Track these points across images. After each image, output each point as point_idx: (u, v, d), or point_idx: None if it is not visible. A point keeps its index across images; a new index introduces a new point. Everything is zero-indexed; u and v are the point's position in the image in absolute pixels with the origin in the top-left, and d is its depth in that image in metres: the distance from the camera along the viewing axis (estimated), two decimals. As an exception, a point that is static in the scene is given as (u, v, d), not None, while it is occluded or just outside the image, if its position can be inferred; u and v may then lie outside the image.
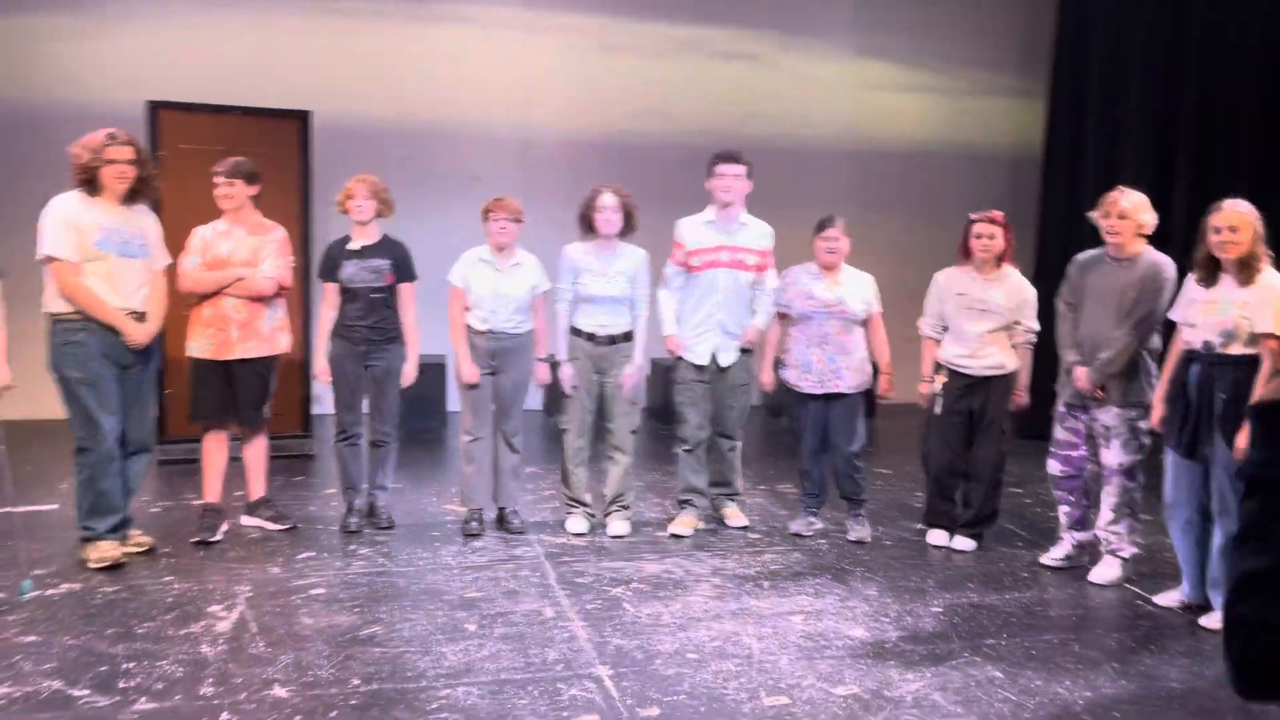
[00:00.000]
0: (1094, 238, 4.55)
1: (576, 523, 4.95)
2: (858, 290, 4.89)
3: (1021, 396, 4.78)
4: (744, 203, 4.96)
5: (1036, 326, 4.79)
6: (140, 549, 4.46)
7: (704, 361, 4.92)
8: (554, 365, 4.94)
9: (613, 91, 8.02)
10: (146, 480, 4.91)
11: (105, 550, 4.28)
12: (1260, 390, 3.62)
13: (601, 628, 3.80)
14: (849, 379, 4.85)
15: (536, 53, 7.86)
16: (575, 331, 4.87)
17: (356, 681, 3.30)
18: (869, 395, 5.02)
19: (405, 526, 4.97)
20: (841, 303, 4.84)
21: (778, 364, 5.00)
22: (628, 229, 4.86)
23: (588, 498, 5.00)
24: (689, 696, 3.26)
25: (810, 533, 5.02)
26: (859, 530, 4.97)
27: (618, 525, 4.93)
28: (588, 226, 4.85)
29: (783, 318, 4.98)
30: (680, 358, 4.97)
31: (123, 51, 6.89)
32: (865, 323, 4.93)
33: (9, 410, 5.25)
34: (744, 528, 5.08)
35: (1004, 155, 8.77)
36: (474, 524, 4.88)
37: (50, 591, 4.02)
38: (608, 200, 4.79)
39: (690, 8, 8.13)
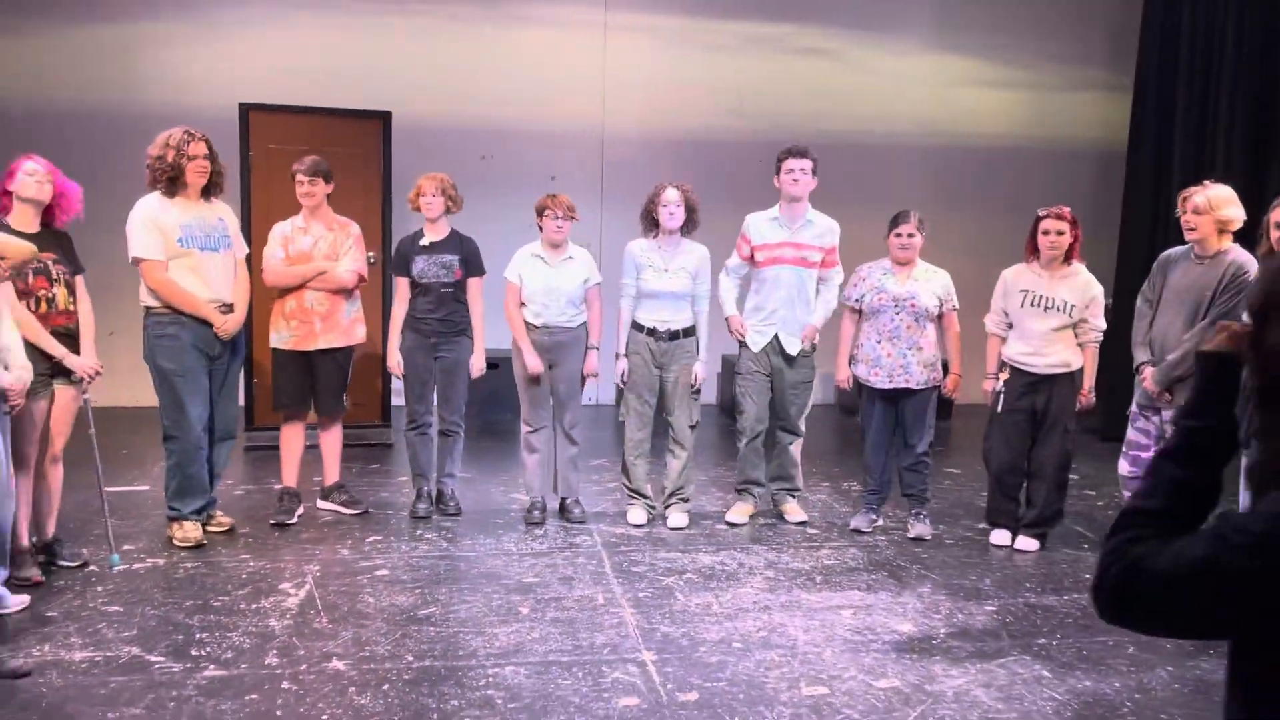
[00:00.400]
0: (1180, 235, 4.44)
1: (636, 514, 5.04)
2: (930, 285, 4.86)
3: (1087, 396, 4.69)
4: (809, 199, 4.99)
5: (1103, 325, 4.70)
6: (221, 529, 4.71)
7: (762, 349, 4.97)
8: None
9: (689, 89, 8.07)
10: (231, 464, 5.16)
11: (189, 530, 4.54)
12: None
13: (650, 615, 3.88)
14: (918, 375, 4.83)
15: (614, 52, 7.97)
16: (636, 327, 4.95)
17: (410, 658, 3.45)
18: (942, 395, 4.98)
19: (471, 513, 5.13)
20: (913, 297, 4.81)
21: (851, 361, 5.00)
22: (690, 225, 4.93)
23: (648, 489, 5.08)
24: (729, 683, 3.31)
25: (870, 529, 5.01)
26: (919, 528, 4.94)
27: (676, 517, 5.00)
28: (650, 222, 4.93)
29: (855, 314, 4.97)
30: (743, 345, 5.03)
31: (217, 56, 7.23)
32: (940, 319, 4.90)
33: (109, 397, 5.58)
34: (803, 523, 5.09)
35: (1091, 151, 8.54)
36: (536, 512, 5.01)
37: (136, 565, 4.28)
38: (670, 195, 4.86)
39: (766, 5, 8.14)
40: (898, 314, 4.83)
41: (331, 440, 5.12)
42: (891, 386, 4.85)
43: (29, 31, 7.03)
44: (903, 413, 4.90)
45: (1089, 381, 4.69)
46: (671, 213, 4.85)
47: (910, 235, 4.84)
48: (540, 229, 4.90)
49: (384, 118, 6.81)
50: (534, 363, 4.86)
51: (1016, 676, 3.43)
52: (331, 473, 5.15)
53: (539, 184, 7.46)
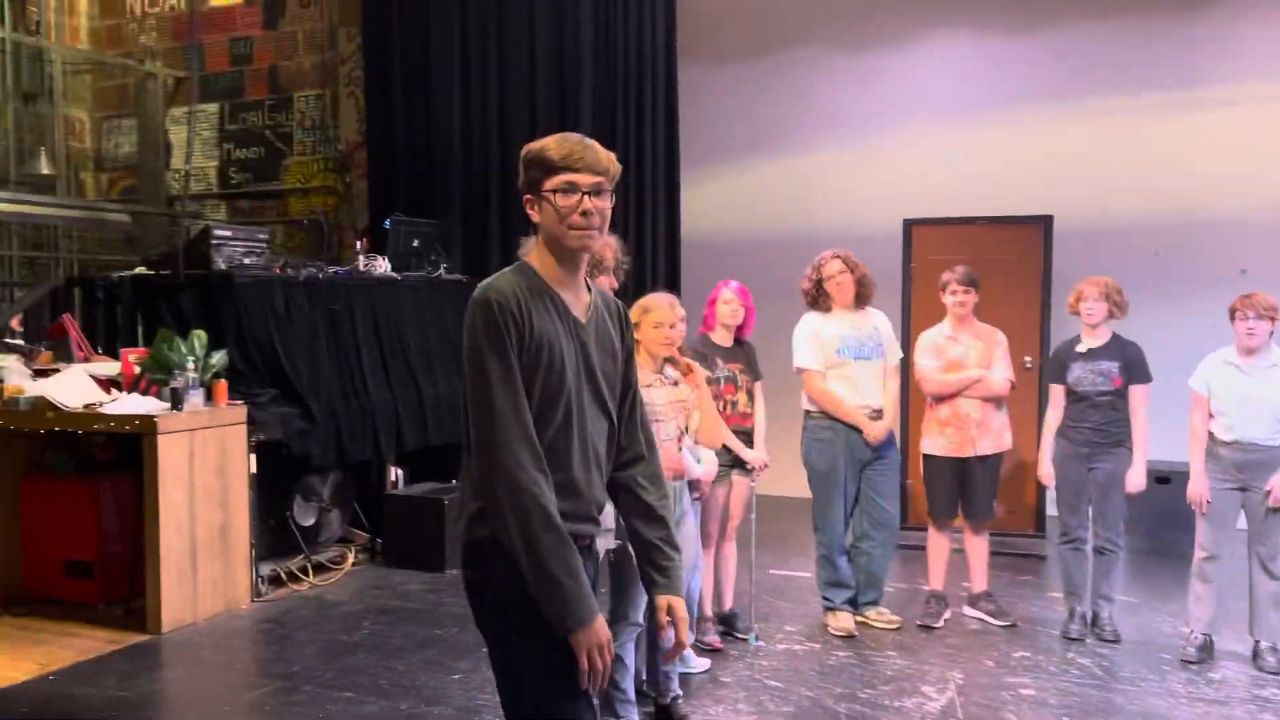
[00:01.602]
0: None
1: (1348, 672, 4.16)
2: None
3: None
4: None
5: None
6: (880, 624, 4.90)
7: None
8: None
9: None
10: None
11: (841, 620, 4.84)
12: None
13: (1362, 802, 3.16)
14: None
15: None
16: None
17: (1051, 789, 3.25)
18: None
19: (1131, 642, 4.69)
20: None
21: None
22: None
23: (1365, 644, 4.17)
24: None
25: None
26: None
27: None
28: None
29: None
30: None
31: (883, 178, 7.78)
32: None
33: (775, 488, 6.23)
34: None
35: None
36: (1201, 651, 4.41)
37: (796, 647, 4.67)
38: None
39: None
40: None
41: (979, 546, 5.08)
42: None
43: (725, 175, 8.26)
44: None
45: None
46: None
47: None
48: (1235, 333, 4.40)
49: (1045, 222, 6.72)
50: (1198, 490, 4.36)
51: None
52: (979, 580, 5.10)
53: (1224, 281, 6.71)
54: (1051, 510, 6.50)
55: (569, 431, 2.16)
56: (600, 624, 2.10)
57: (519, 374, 2.08)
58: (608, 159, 2.19)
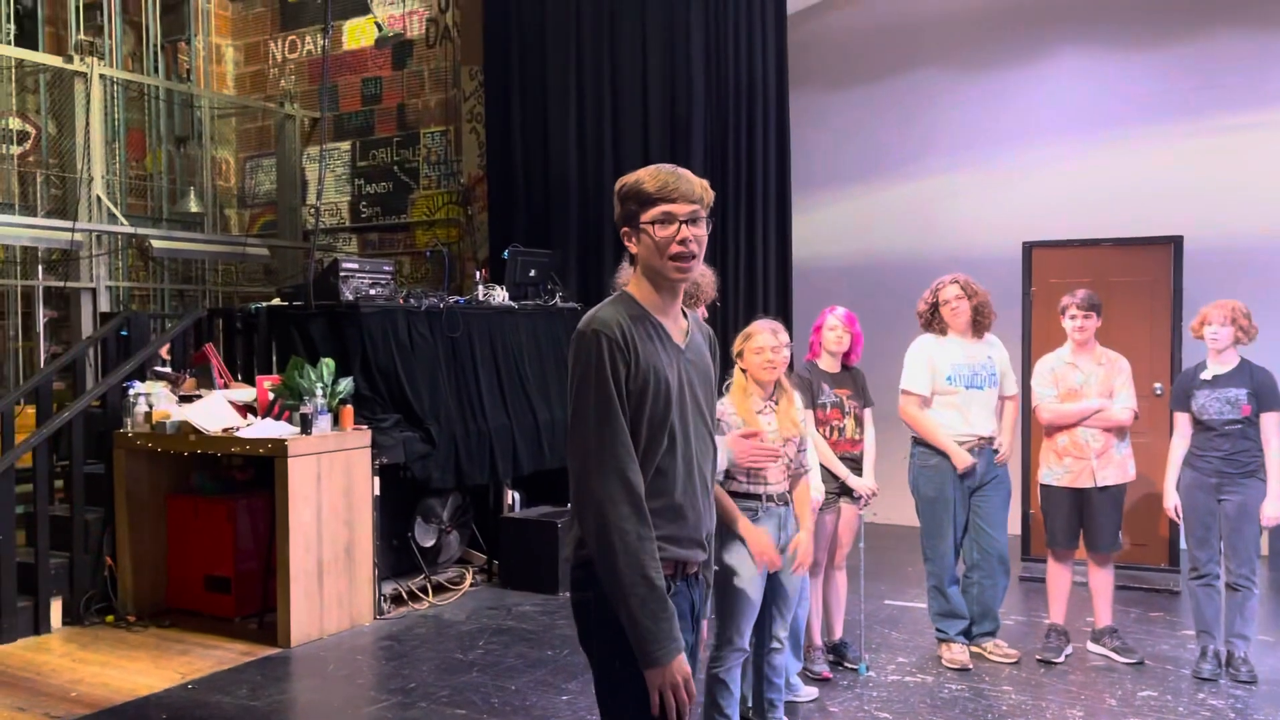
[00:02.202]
0: None
1: None
2: None
3: None
4: None
5: None
6: (997, 657, 4.77)
7: None
8: None
9: None
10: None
11: (955, 653, 4.73)
12: None
13: None
14: None
15: None
16: None
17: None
18: None
19: (1269, 683, 4.44)
20: None
21: None
22: None
23: None
24: None
25: None
26: None
27: None
28: None
29: None
30: None
31: (1001, 200, 7.60)
32: None
33: (896, 516, 6.14)
34: None
35: None
36: (1356, 698, 4.15)
37: (908, 678, 4.59)
38: None
39: None
40: None
41: (1103, 580, 4.90)
42: None
43: (840, 200, 8.20)
44: None
45: None
46: None
47: None
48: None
49: (1174, 243, 6.47)
50: None
51: None
52: (1103, 615, 4.91)
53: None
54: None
55: (674, 455, 2.21)
56: (677, 665, 2.10)
57: (620, 408, 2.12)
58: (701, 187, 2.24)
